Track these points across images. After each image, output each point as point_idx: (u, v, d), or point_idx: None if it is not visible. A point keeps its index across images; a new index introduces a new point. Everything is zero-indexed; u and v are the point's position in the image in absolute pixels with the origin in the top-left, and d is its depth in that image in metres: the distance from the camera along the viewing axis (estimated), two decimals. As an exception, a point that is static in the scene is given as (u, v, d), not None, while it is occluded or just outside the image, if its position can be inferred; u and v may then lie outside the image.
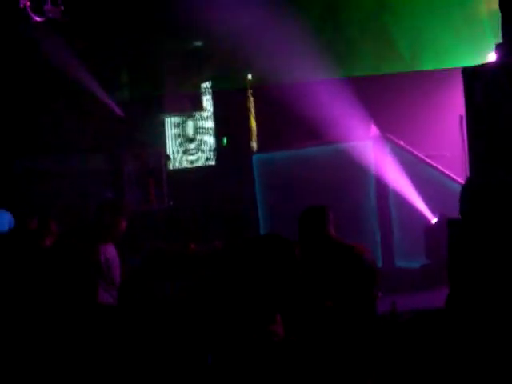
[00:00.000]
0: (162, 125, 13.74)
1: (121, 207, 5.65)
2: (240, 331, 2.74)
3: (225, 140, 12.54)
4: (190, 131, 13.58)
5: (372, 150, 8.04)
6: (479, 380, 2.72)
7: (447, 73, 9.99)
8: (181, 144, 13.86)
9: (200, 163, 13.22)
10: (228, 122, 12.41)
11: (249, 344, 2.68)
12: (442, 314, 3.55)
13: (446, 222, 7.04)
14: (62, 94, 12.56)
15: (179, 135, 13.90)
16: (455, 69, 9.79)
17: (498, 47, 5.20)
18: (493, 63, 5.26)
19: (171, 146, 14.06)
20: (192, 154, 13.55)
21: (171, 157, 13.44)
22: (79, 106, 12.94)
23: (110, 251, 5.59)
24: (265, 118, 11.83)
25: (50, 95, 12.60)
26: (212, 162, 12.90)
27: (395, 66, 9.82)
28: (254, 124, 11.97)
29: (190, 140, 13.63)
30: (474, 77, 5.31)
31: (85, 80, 11.71)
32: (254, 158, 9.79)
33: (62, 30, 10.51)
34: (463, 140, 8.35)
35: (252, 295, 2.78)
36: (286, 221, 9.20)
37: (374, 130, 9.22)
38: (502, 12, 5.31)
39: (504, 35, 5.21)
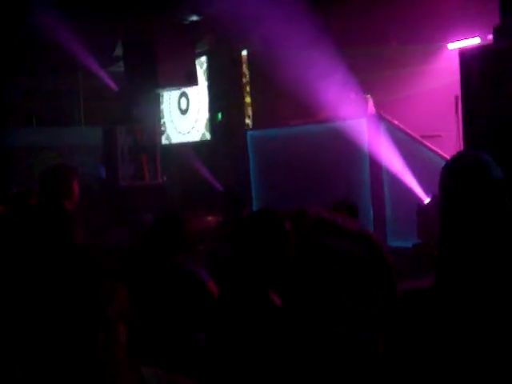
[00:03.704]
0: (157, 99, 13.71)
1: (70, 171, 5.31)
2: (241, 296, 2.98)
3: (219, 115, 12.51)
4: (184, 106, 13.56)
5: (366, 128, 8.01)
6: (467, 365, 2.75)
7: (443, 50, 10.00)
8: (175, 119, 13.84)
9: (194, 138, 13.20)
10: (223, 97, 12.38)
11: (251, 307, 2.93)
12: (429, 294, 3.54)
13: (438, 203, 7.10)
14: (55, 67, 12.50)
15: (173, 110, 13.88)
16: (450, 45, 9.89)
17: (496, 30, 5.19)
18: (490, 45, 5.25)
19: (165, 120, 14.05)
20: (186, 129, 13.54)
21: (165, 132, 13.44)
22: (73, 80, 12.92)
23: None
24: (260, 94, 11.81)
25: (44, 68, 12.55)
26: (206, 137, 12.88)
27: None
28: (248, 100, 11.94)
29: (184, 115, 13.61)
30: (470, 58, 5.31)
31: (79, 53, 11.64)
32: (248, 134, 9.75)
33: (57, 3, 10.44)
34: (458, 120, 8.34)
35: (248, 266, 2.98)
36: (279, 198, 9.26)
37: (370, 107, 9.20)
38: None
39: (502, 18, 5.20)
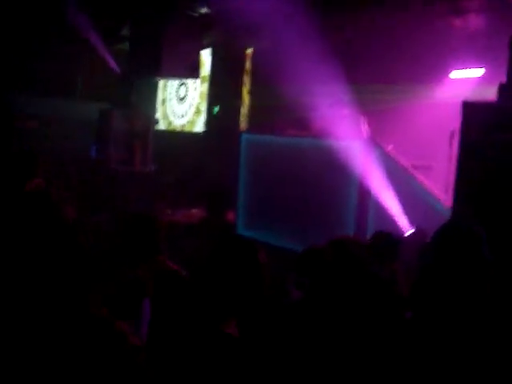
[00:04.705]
0: (155, 85, 13.73)
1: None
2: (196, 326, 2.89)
3: (216, 108, 12.58)
4: (182, 95, 13.61)
5: (360, 151, 8.10)
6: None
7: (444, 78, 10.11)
8: (172, 106, 13.90)
9: (188, 128, 13.28)
10: (222, 92, 12.43)
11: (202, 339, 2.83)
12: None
13: (419, 236, 7.22)
14: (58, 38, 12.45)
15: (171, 97, 13.93)
16: (446, 79, 10.01)
17: (502, 88, 5.29)
18: (494, 103, 5.35)
19: (161, 108, 14.11)
20: (181, 119, 13.61)
21: (159, 120, 13.47)
22: (76, 54, 12.88)
23: None
24: (259, 95, 11.87)
25: (47, 38, 12.50)
26: (201, 129, 12.95)
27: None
28: (246, 100, 12.00)
29: (181, 104, 13.67)
30: (473, 112, 5.42)
31: (84, 28, 11.62)
32: (243, 137, 9.81)
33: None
34: (450, 154, 8.47)
35: (213, 294, 2.91)
36: (263, 203, 9.37)
37: (365, 127, 9.31)
38: (510, 52, 5.40)
39: (509, 76, 5.31)
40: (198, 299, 2.97)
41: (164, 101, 14.09)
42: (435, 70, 9.92)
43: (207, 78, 12.85)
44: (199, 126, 13.09)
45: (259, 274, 2.97)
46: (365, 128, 9.29)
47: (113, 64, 12.11)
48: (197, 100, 13.25)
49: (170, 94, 13.95)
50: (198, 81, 12.89)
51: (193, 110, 13.33)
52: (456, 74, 10.02)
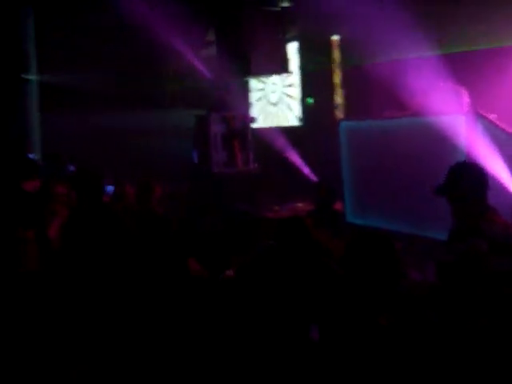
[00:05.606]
0: (247, 85, 13.82)
1: None
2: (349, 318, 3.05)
3: (310, 100, 12.55)
4: (274, 91, 13.67)
5: (464, 125, 7.85)
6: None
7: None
8: (265, 104, 13.98)
9: (284, 124, 13.31)
10: (313, 84, 12.40)
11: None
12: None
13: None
14: (146, 51, 12.70)
15: (264, 96, 14.01)
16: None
17: None
18: None
19: (258, 105, 14.21)
20: (276, 114, 13.67)
21: (256, 118, 13.54)
22: (166, 64, 13.12)
23: None
24: (350, 81, 11.78)
25: (134, 52, 12.77)
26: (296, 123, 12.96)
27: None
28: (339, 87, 11.92)
29: (274, 100, 13.74)
30: None
31: (170, 38, 11.81)
32: (342, 124, 9.72)
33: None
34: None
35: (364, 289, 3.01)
36: (370, 191, 9.26)
37: (465, 99, 9.07)
38: None
39: None
40: (352, 294, 3.03)
41: (260, 98, 14.20)
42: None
43: (297, 71, 12.84)
44: (294, 120, 13.11)
45: (398, 268, 3.12)
46: (466, 99, 9.04)
47: (203, 69, 12.26)
48: (288, 94, 13.29)
49: (264, 90, 14.04)
50: (287, 75, 12.91)
51: (285, 104, 13.38)
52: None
